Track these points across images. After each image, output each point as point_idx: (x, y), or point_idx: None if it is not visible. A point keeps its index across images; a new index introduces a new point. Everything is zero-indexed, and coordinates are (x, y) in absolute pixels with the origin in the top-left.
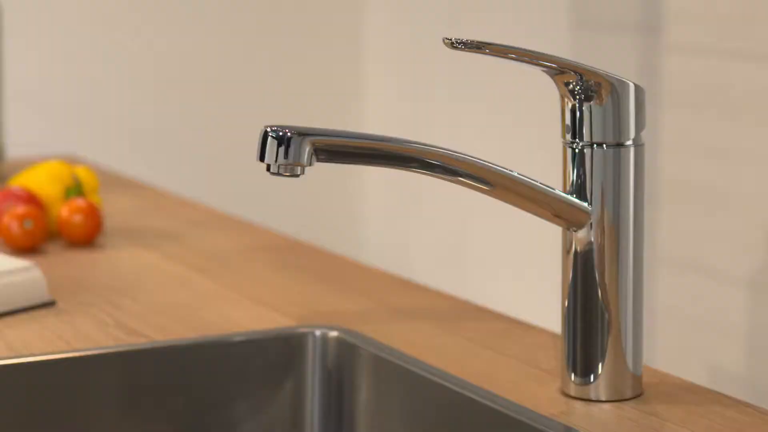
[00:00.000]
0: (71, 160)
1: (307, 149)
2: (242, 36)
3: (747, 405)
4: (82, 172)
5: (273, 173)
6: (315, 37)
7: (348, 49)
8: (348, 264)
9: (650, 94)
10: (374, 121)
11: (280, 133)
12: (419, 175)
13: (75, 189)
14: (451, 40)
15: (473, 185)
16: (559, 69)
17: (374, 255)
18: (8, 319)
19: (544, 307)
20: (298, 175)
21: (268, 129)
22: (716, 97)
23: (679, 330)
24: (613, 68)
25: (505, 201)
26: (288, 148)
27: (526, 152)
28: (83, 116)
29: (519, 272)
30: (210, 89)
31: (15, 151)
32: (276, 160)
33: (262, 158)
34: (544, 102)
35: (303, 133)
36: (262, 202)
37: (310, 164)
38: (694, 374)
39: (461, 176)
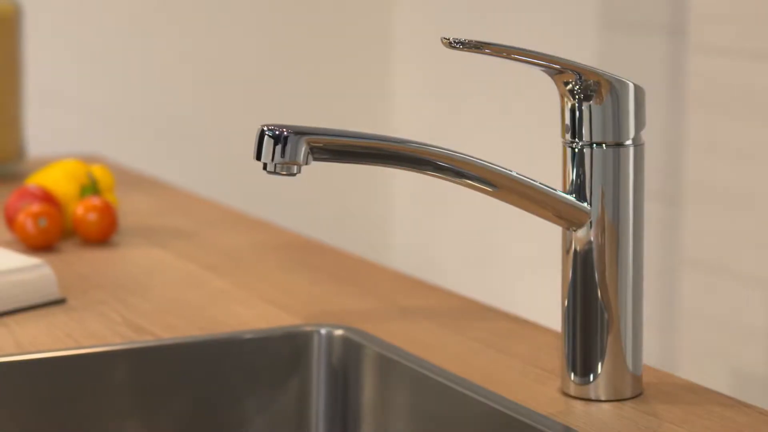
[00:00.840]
0: (93, 159)
1: (303, 148)
2: (269, 36)
3: (746, 405)
4: (97, 171)
5: (269, 172)
6: (343, 37)
7: (377, 49)
8: (360, 263)
9: (676, 95)
10: (402, 120)
11: (277, 132)
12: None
13: (90, 187)
14: (449, 39)
15: (472, 185)
16: (558, 69)
17: (401, 256)
18: (18, 316)
19: None
20: (294, 174)
21: (265, 128)
22: (741, 99)
23: (702, 331)
24: (639, 69)
25: (506, 201)
26: (284, 146)
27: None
28: (108, 116)
29: (545, 273)
30: (237, 89)
31: (39, 149)
32: (272, 159)
33: (258, 157)
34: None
35: (299, 132)
36: (290, 205)
37: (307, 163)
38: (717, 375)
39: (458, 176)
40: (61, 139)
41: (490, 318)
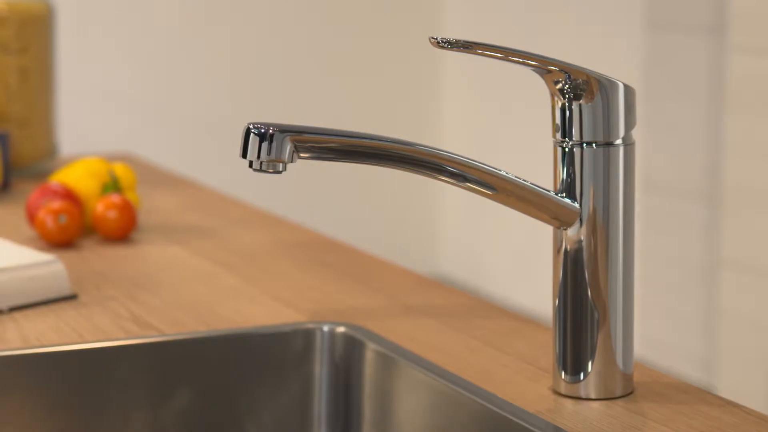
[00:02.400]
0: (125, 158)
1: (288, 146)
2: (316, 39)
3: (735, 405)
4: (119, 169)
5: (255, 170)
6: (392, 38)
7: (427, 51)
8: (373, 261)
9: (715, 95)
10: (451, 123)
11: (263, 130)
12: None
13: (112, 185)
14: (436, 39)
15: (466, 186)
16: (547, 68)
17: (451, 263)
18: (28, 312)
19: None
20: (280, 172)
21: (251, 126)
22: None
23: (740, 332)
24: (683, 69)
25: (491, 198)
26: (270, 144)
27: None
28: (154, 115)
29: None
30: (284, 91)
31: (77, 149)
32: (258, 157)
33: (244, 155)
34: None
35: (285, 130)
36: (339, 211)
37: (292, 161)
38: (756, 375)
39: (447, 175)
40: (108, 137)
41: (493, 316)
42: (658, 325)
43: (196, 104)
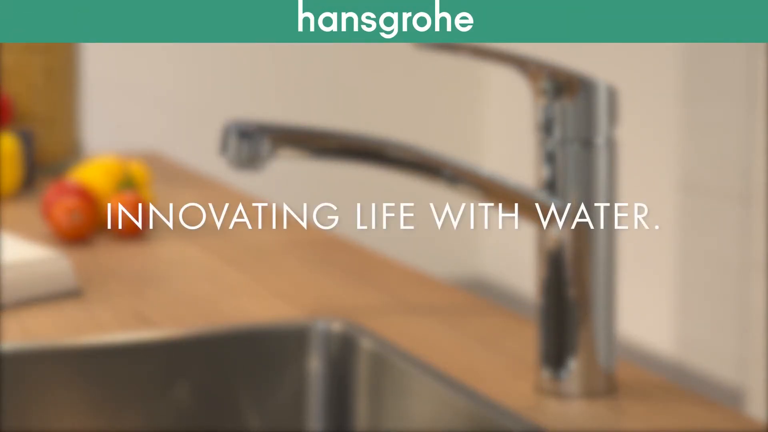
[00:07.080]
0: (151, 156)
1: (266, 144)
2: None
3: (713, 403)
4: (134, 167)
5: (234, 167)
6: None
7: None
8: (378, 260)
9: (751, 95)
10: (495, 126)
11: (241, 128)
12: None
13: (126, 183)
14: None
15: (432, 178)
16: (529, 68)
17: (491, 263)
18: (31, 307)
19: (654, 319)
20: (258, 169)
21: (230, 123)
22: None
23: None
24: (721, 70)
25: (473, 198)
26: (248, 142)
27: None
28: (193, 116)
29: (631, 283)
30: (327, 96)
31: (114, 146)
32: (237, 154)
33: (223, 152)
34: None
35: (263, 128)
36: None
37: (270, 159)
38: None
39: (431, 173)
40: (146, 135)
41: (490, 314)
42: (696, 325)
43: (238, 105)
